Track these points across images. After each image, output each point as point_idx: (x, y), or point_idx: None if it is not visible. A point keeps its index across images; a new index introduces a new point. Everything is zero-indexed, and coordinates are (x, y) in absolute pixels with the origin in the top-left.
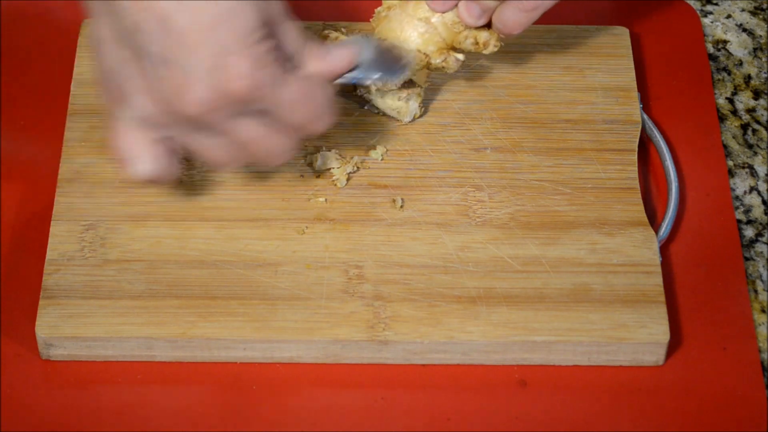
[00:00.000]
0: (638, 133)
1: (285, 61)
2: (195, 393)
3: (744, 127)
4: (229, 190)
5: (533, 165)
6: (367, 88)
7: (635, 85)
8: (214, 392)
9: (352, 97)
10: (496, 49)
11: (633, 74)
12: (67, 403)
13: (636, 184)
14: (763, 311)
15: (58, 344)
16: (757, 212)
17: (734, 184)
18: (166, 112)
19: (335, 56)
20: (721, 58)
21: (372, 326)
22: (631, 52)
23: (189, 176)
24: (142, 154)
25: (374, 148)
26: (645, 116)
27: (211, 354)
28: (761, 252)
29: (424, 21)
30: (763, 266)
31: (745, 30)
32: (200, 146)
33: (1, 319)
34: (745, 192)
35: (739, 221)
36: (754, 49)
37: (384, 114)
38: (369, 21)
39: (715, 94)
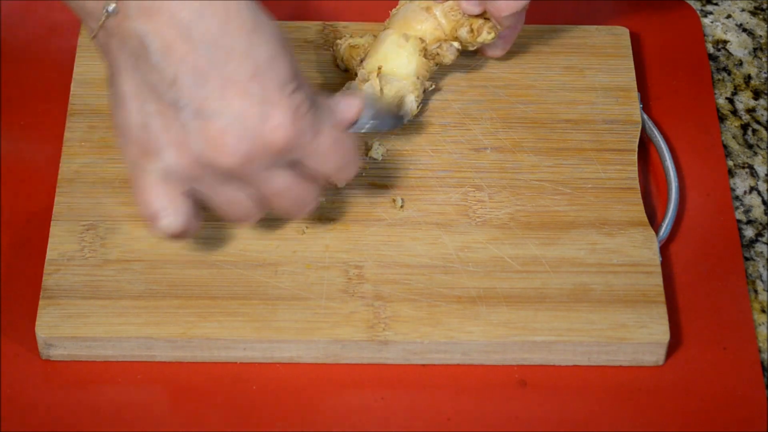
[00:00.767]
0: (638, 133)
1: (317, 111)
2: (195, 393)
3: (744, 127)
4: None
5: (533, 165)
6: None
7: (635, 85)
8: (214, 392)
9: None
10: (489, 37)
11: (633, 74)
12: (67, 403)
13: (636, 184)
14: (763, 311)
15: (58, 344)
16: (757, 212)
17: (734, 184)
18: (200, 165)
19: (345, 105)
20: (721, 58)
21: (372, 326)
22: (631, 52)
23: None
24: (168, 209)
25: (373, 147)
26: (645, 116)
27: (211, 354)
28: (761, 252)
29: (426, 10)
30: (763, 266)
31: (745, 30)
32: (226, 199)
33: (1, 319)
34: (745, 192)
35: (739, 221)
36: (754, 49)
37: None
38: (370, 21)
39: (715, 94)
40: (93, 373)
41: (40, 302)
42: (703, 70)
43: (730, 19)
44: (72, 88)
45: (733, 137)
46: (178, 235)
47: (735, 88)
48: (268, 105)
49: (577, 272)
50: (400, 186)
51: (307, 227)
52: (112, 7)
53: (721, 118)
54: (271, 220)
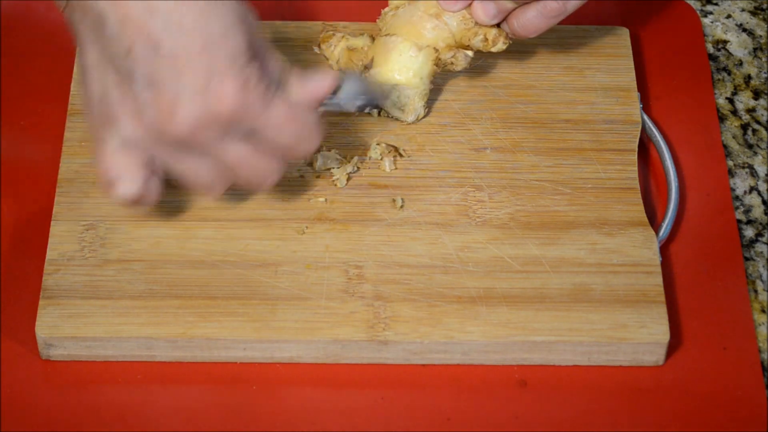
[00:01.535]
0: (638, 133)
1: (270, 84)
2: (195, 393)
3: (744, 127)
4: (229, 190)
5: (533, 165)
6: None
7: (635, 85)
8: (214, 392)
9: None
10: (504, 48)
11: (633, 74)
12: (67, 403)
13: (636, 184)
14: (763, 311)
15: (58, 344)
16: (757, 212)
17: (734, 184)
18: (155, 134)
19: (315, 82)
20: (721, 58)
21: (372, 326)
22: (631, 52)
23: None
24: (126, 176)
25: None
26: (645, 116)
27: (211, 354)
28: (761, 252)
29: (435, 17)
30: (763, 266)
31: (745, 30)
32: (186, 168)
33: (1, 319)
34: (745, 192)
35: (739, 221)
36: (754, 49)
37: (388, 114)
38: (369, 21)
39: (715, 94)
40: (93, 373)
41: (40, 302)
42: (703, 70)
43: (730, 19)
44: (72, 88)
45: (733, 137)
46: (135, 202)
47: (735, 88)
48: (217, 76)
49: (577, 272)
50: (400, 186)
51: (307, 227)
52: None
53: (721, 118)
54: (270, 220)
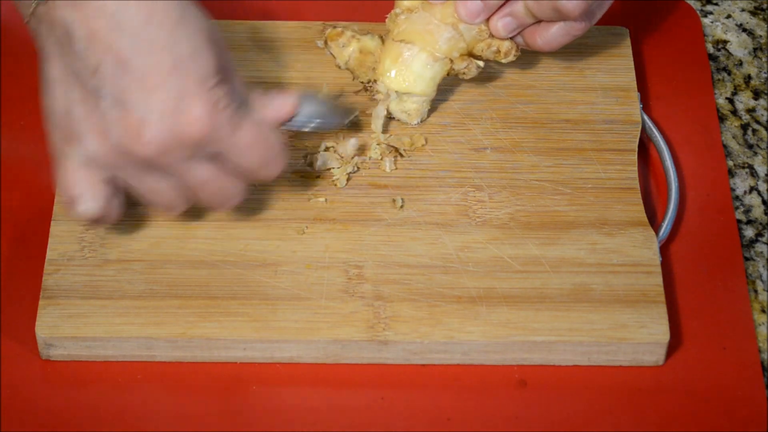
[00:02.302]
0: (638, 133)
1: (238, 106)
2: (195, 393)
3: (744, 127)
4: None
5: (533, 165)
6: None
7: (635, 85)
8: (214, 392)
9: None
10: (514, 59)
11: (633, 74)
12: (67, 403)
13: (636, 184)
14: (763, 311)
15: (58, 344)
16: (757, 212)
17: (734, 184)
18: (119, 153)
19: (278, 103)
20: (721, 58)
21: (372, 326)
22: (631, 52)
23: None
24: (87, 194)
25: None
26: (645, 116)
27: (211, 354)
28: (761, 252)
29: (451, 26)
30: (763, 266)
31: (745, 30)
32: (148, 188)
33: (1, 319)
34: (745, 192)
35: (739, 221)
36: (754, 49)
37: (392, 117)
38: (369, 21)
39: (715, 94)
40: (93, 373)
41: (40, 302)
42: (703, 70)
43: (730, 19)
44: None
45: (733, 137)
46: (97, 220)
47: (735, 88)
48: (186, 98)
49: (577, 272)
50: (400, 186)
51: (307, 227)
52: None
53: (721, 118)
54: (270, 220)
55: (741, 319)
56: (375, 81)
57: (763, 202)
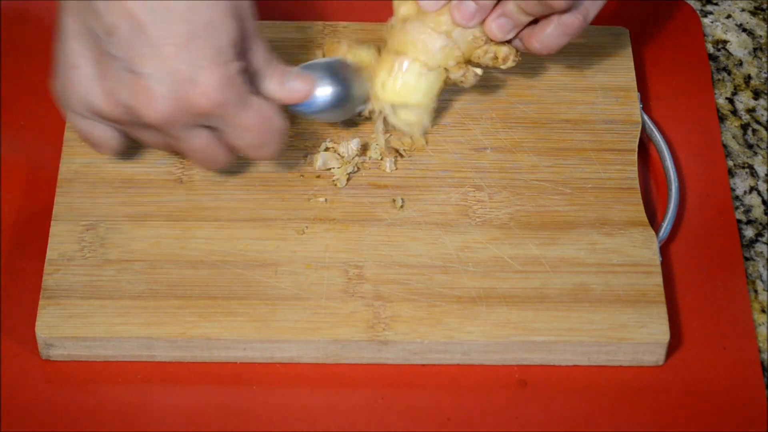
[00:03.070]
0: (638, 133)
1: (249, 82)
2: (195, 393)
3: (744, 127)
4: (229, 190)
5: (533, 165)
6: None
7: (635, 85)
8: (214, 392)
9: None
10: (514, 65)
11: (633, 74)
12: (67, 403)
13: (636, 184)
14: (763, 311)
15: (58, 344)
16: (757, 212)
17: (734, 184)
18: (123, 113)
19: (293, 87)
20: (721, 58)
21: (372, 326)
22: (631, 52)
23: (189, 176)
24: (99, 137)
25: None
26: (645, 116)
27: (211, 354)
28: (761, 252)
29: (444, 35)
30: (763, 266)
31: (745, 30)
32: (145, 140)
33: (1, 319)
34: (745, 192)
35: (739, 221)
36: (754, 49)
37: (394, 128)
38: (369, 21)
39: (715, 94)
40: (93, 373)
41: (40, 302)
42: (703, 70)
43: (730, 19)
44: None
45: (733, 137)
46: (112, 152)
47: (735, 88)
48: (199, 69)
49: (577, 272)
50: (400, 186)
51: (307, 227)
52: None
53: (721, 118)
54: (270, 220)
55: (741, 319)
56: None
57: (763, 202)
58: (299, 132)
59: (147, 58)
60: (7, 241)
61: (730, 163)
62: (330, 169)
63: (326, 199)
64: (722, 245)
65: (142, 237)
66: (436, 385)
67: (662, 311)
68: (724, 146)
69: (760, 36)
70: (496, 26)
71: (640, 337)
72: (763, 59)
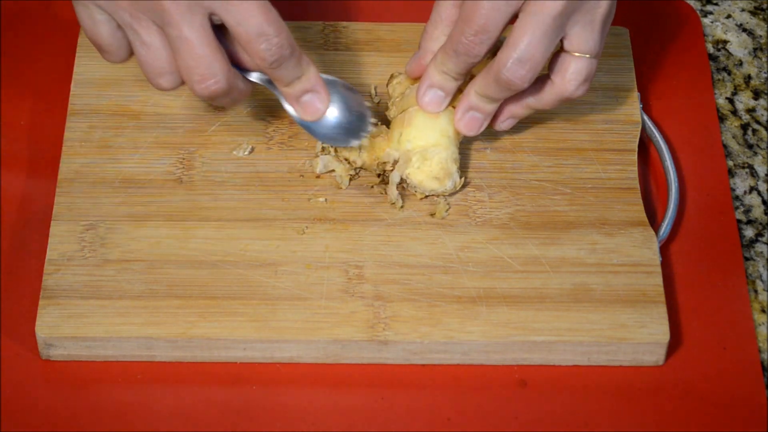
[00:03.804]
0: (638, 133)
1: None
2: (195, 393)
3: (744, 127)
4: (229, 190)
5: (533, 165)
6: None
7: (635, 85)
8: (214, 392)
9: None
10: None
11: (633, 74)
12: (67, 403)
13: (636, 184)
14: (763, 311)
15: (58, 344)
16: (757, 212)
17: (734, 184)
18: None
19: (309, 104)
20: (721, 58)
21: (372, 326)
22: (631, 52)
23: (189, 176)
24: (111, 46)
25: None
26: (645, 116)
27: (211, 354)
28: (761, 252)
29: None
30: (763, 266)
31: (745, 30)
32: (140, 41)
33: (1, 319)
34: (745, 192)
35: (739, 221)
36: (754, 49)
37: (426, 195)
38: (369, 21)
39: (715, 94)
40: (93, 373)
41: (40, 302)
42: (703, 70)
43: (730, 19)
44: (72, 88)
45: (733, 137)
46: (122, 60)
47: (735, 88)
48: None
49: (577, 272)
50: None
51: (307, 227)
52: None
53: (721, 118)
54: (270, 220)
55: (741, 319)
56: (386, 162)
57: (763, 202)
58: (299, 132)
59: None
60: (7, 241)
61: (730, 163)
62: (331, 171)
63: (326, 199)
64: (722, 245)
65: (142, 237)
66: (436, 385)
67: (662, 311)
68: (724, 146)
69: (760, 36)
70: (464, 125)
71: (640, 337)
72: (763, 59)
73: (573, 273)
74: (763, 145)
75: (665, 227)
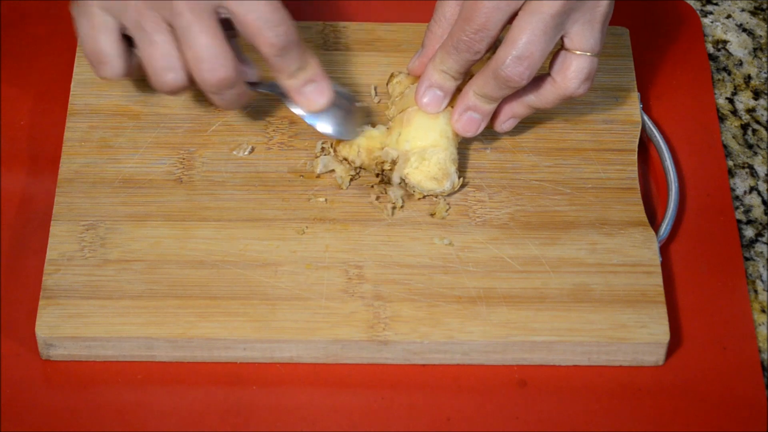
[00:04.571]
0: (638, 133)
1: None
2: (195, 393)
3: (744, 127)
4: (229, 190)
5: (533, 165)
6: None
7: (635, 85)
8: (214, 392)
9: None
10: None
11: (633, 74)
12: (67, 403)
13: (636, 184)
14: (763, 311)
15: (58, 344)
16: (757, 212)
17: (734, 184)
18: None
19: (312, 94)
20: (721, 58)
21: (372, 326)
22: (631, 52)
23: (189, 176)
24: (110, 56)
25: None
26: (645, 116)
27: (211, 354)
28: (761, 252)
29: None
30: (763, 266)
31: (745, 30)
32: (149, 40)
33: (1, 319)
34: (745, 192)
35: (739, 221)
36: (754, 49)
37: (423, 195)
38: (369, 21)
39: (715, 94)
40: (93, 373)
41: (40, 302)
42: (703, 70)
43: (730, 19)
44: (72, 88)
45: (733, 137)
46: (122, 78)
47: (735, 88)
48: None
49: (577, 272)
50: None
51: (307, 227)
52: None
53: (721, 118)
54: (270, 220)
55: (741, 319)
56: (385, 162)
57: (763, 202)
58: (299, 132)
59: None
60: (7, 241)
61: (730, 163)
62: (331, 171)
63: (326, 199)
64: (722, 245)
65: (142, 237)
66: (436, 385)
67: (662, 311)
68: (724, 146)
69: (760, 36)
70: (461, 126)
71: (640, 337)
72: (763, 59)
73: (573, 273)
74: (763, 145)
75: (665, 227)
